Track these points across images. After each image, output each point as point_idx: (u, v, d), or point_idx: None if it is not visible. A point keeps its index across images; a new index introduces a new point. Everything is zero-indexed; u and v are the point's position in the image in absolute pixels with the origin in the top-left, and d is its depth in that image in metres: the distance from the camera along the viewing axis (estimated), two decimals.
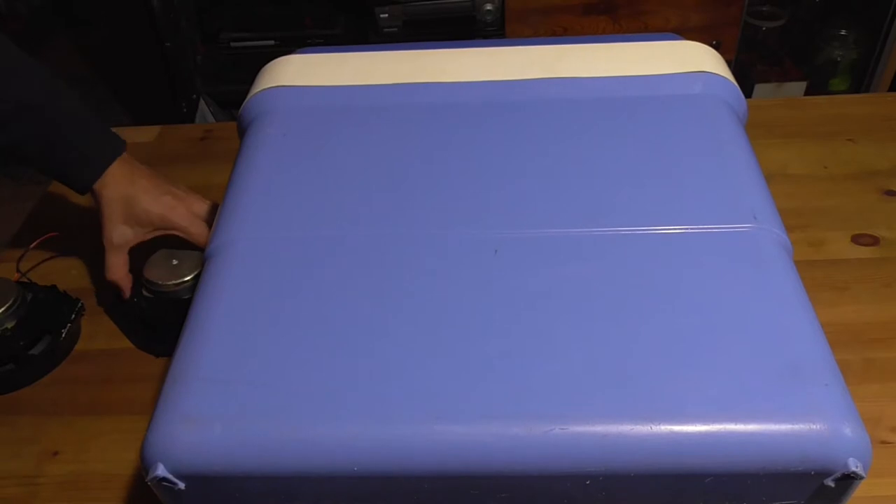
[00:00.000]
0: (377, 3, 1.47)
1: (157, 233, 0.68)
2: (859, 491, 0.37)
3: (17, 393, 0.64)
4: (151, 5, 1.24)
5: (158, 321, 0.67)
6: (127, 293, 0.68)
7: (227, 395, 0.38)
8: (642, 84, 0.55)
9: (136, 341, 0.68)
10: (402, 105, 0.56)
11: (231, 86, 1.43)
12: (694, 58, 0.58)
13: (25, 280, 0.72)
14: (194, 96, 1.35)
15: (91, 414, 0.62)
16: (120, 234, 0.66)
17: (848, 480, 0.36)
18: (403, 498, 0.39)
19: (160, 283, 0.67)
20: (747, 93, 1.67)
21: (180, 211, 0.67)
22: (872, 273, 0.69)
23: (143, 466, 0.37)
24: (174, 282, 0.67)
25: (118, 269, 0.67)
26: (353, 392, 0.38)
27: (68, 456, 0.59)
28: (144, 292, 0.69)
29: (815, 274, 0.69)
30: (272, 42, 1.51)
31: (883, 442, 0.57)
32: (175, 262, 0.68)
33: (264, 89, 0.58)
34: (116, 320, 0.70)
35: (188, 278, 0.67)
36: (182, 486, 0.37)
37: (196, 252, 0.69)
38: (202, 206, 0.69)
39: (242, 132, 0.57)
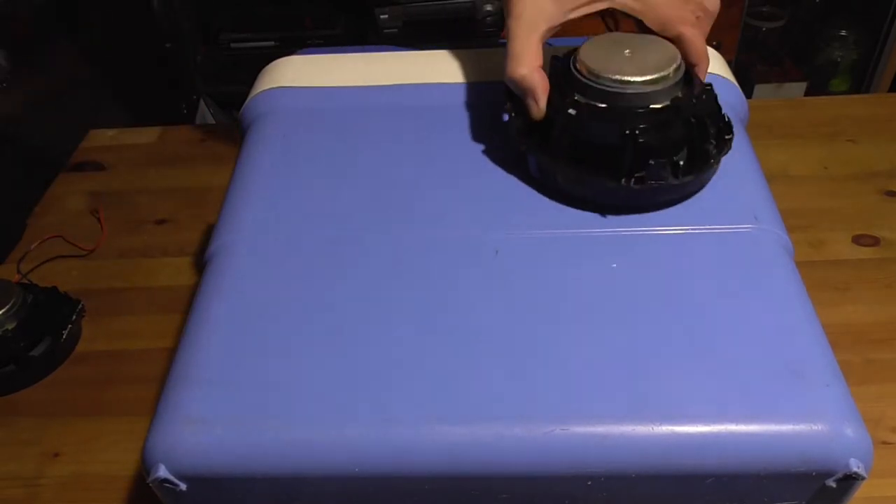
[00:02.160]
0: (377, 3, 1.46)
1: (599, 5, 0.45)
2: (860, 492, 0.37)
3: (18, 394, 0.64)
4: (151, 6, 1.24)
5: (598, 149, 0.45)
6: (542, 102, 0.46)
7: (229, 397, 0.38)
8: None
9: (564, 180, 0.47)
10: (402, 106, 0.56)
11: (231, 86, 1.42)
12: None
13: (26, 281, 0.72)
14: (194, 97, 1.35)
15: (92, 415, 0.62)
16: (534, 5, 0.44)
17: (849, 481, 0.36)
18: (404, 499, 0.39)
19: (611, 77, 0.44)
20: (748, 93, 1.67)
21: None
22: (873, 274, 0.69)
23: (145, 468, 0.37)
24: (637, 78, 0.44)
25: (529, 59, 0.43)
26: (354, 393, 0.38)
27: (69, 457, 0.59)
28: (577, 98, 0.45)
29: (816, 274, 0.69)
30: (272, 43, 1.51)
31: (884, 442, 0.57)
32: (628, 51, 0.46)
33: (265, 90, 0.58)
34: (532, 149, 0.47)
35: (662, 74, 0.45)
36: (183, 487, 0.37)
37: (656, 38, 0.47)
38: None
39: (243, 133, 0.57)
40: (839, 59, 1.65)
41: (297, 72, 0.59)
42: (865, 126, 0.86)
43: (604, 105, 0.45)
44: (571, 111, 0.45)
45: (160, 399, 0.39)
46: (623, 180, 0.44)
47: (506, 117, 0.52)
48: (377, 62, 0.60)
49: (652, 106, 0.44)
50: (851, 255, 0.71)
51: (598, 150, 0.45)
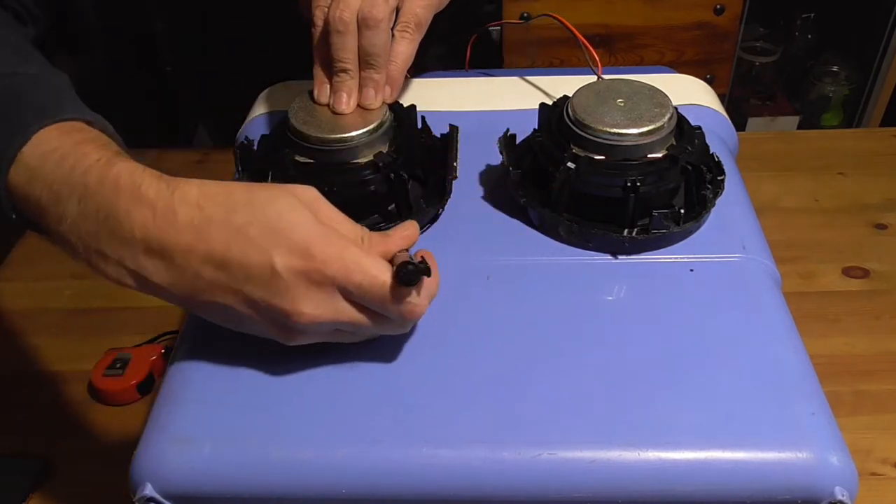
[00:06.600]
0: None
1: None
2: None
3: (3, 415, 0.64)
4: (153, 28, 1.25)
5: (599, 201, 0.46)
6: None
7: (217, 417, 0.39)
8: None
9: None
10: None
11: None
12: (685, 91, 0.59)
13: None
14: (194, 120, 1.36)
15: (75, 436, 0.62)
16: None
17: None
18: None
19: (609, 130, 0.45)
20: (741, 127, 1.68)
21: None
22: (863, 305, 0.70)
23: (131, 487, 0.37)
24: (635, 130, 0.45)
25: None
26: (342, 415, 0.38)
27: (53, 479, 0.59)
28: (575, 150, 0.46)
29: (807, 306, 0.69)
30: None
31: (873, 474, 0.57)
32: (620, 101, 0.47)
33: (261, 115, 0.59)
34: None
35: (657, 125, 0.46)
36: None
37: (645, 85, 0.49)
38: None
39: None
40: (831, 95, 1.67)
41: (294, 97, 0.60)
42: (856, 160, 0.87)
43: (602, 157, 0.45)
44: (570, 164, 0.45)
45: (149, 418, 0.39)
46: (626, 231, 0.45)
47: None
48: None
49: (650, 156, 0.45)
50: (841, 287, 0.72)
51: (599, 202, 0.46)
